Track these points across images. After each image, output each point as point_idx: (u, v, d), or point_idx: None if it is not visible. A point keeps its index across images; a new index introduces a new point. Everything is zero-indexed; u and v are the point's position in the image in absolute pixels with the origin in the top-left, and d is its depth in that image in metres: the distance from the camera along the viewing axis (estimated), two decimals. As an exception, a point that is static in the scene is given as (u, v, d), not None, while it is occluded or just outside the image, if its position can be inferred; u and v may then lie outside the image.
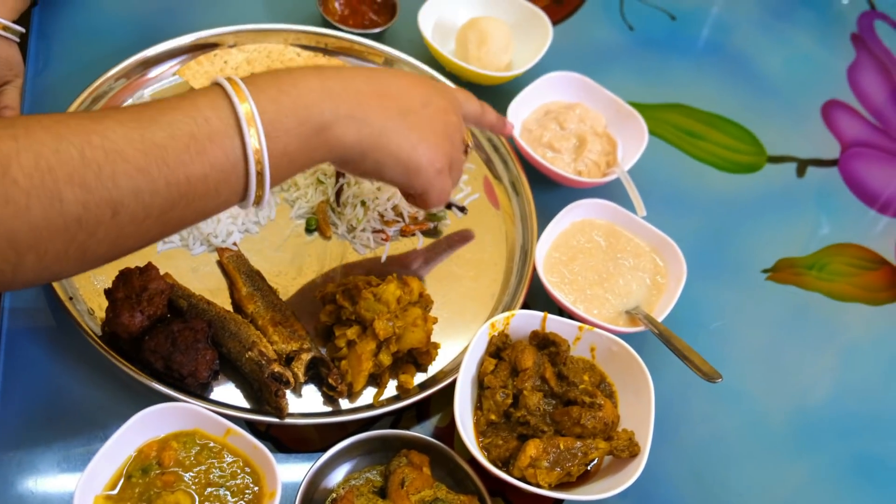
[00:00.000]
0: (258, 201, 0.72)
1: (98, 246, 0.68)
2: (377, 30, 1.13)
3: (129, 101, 1.01)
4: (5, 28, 0.93)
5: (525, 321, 0.89)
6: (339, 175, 0.97)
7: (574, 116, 1.07)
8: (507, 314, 0.89)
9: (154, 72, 1.04)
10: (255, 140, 0.69)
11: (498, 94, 1.09)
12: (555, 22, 1.19)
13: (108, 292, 0.84)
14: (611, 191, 1.04)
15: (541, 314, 0.89)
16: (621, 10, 1.29)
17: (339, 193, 0.97)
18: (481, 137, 1.07)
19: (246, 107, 0.69)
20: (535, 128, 1.07)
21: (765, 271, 1.07)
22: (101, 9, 1.14)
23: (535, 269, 0.95)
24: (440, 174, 0.83)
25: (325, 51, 1.10)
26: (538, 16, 1.15)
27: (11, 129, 0.64)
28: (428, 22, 1.12)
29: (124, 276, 0.84)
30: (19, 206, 0.63)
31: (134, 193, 0.66)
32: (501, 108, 1.04)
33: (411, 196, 0.87)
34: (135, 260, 0.86)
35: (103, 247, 0.69)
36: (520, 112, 1.07)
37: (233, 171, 0.70)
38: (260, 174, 0.70)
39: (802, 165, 1.18)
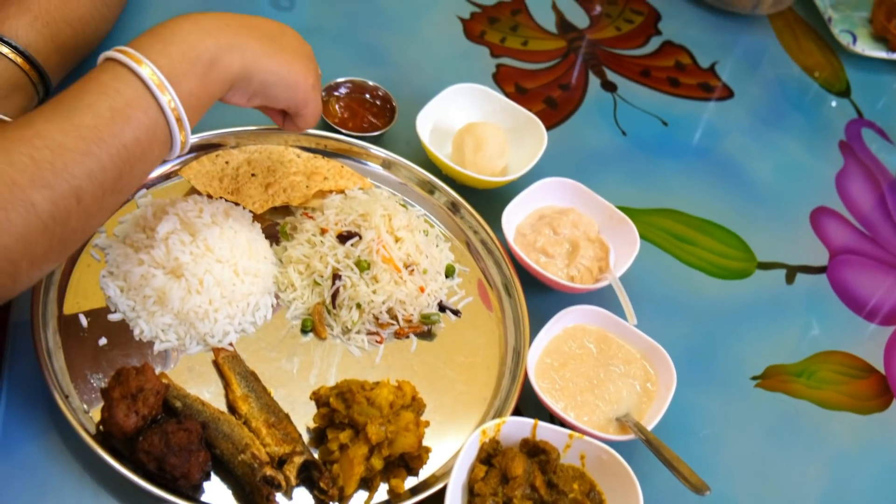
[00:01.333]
0: (184, 145, 0.84)
1: (73, 233, 0.78)
2: (375, 133, 1.16)
3: (133, 200, 1.03)
4: None
5: (516, 428, 0.91)
6: (335, 277, 0.99)
7: (567, 222, 1.10)
8: (497, 421, 0.90)
9: (157, 171, 1.06)
10: (163, 93, 0.79)
11: (493, 197, 1.12)
12: (549, 126, 1.22)
13: (104, 392, 0.85)
14: (603, 296, 1.06)
15: (531, 421, 0.90)
16: (615, 115, 1.33)
17: (335, 295, 0.99)
18: (475, 241, 1.09)
19: (145, 68, 0.79)
20: (528, 232, 1.09)
21: (754, 378, 1.09)
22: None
23: (526, 374, 0.96)
24: (315, 88, 0.97)
25: (325, 152, 1.12)
26: (533, 121, 1.18)
27: None
28: (426, 126, 1.15)
29: (121, 375, 0.86)
30: (2, 222, 0.72)
31: (88, 176, 0.76)
32: (496, 212, 1.08)
33: (290, 119, 1.00)
34: (133, 360, 0.90)
35: (78, 232, 0.79)
36: (514, 216, 1.09)
37: (156, 125, 0.80)
38: (179, 119, 0.81)
39: (791, 272, 1.21)
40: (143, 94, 0.79)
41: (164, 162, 0.93)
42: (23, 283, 0.78)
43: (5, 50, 0.99)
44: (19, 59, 0.99)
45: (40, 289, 0.93)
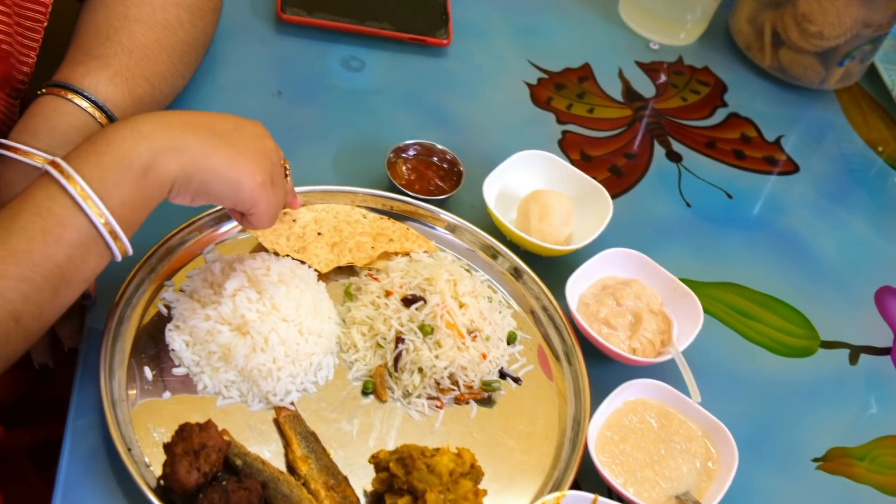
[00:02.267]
0: (124, 253, 0.86)
1: (14, 350, 0.84)
2: (442, 196, 1.18)
3: (201, 255, 1.07)
4: None
5: (575, 503, 0.91)
6: (398, 340, 1.01)
7: (631, 293, 1.11)
8: (556, 494, 0.90)
9: (225, 227, 1.09)
10: (92, 208, 0.82)
11: (557, 265, 1.14)
12: (613, 195, 1.23)
13: (166, 446, 0.87)
14: (665, 370, 1.06)
15: (591, 496, 0.90)
16: (679, 186, 1.34)
17: (397, 359, 1.00)
18: (538, 308, 1.10)
19: (75, 185, 0.82)
20: (591, 302, 1.10)
21: (815, 460, 1.08)
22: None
23: (586, 447, 0.96)
24: (263, 187, 0.94)
25: (391, 214, 1.15)
26: (599, 190, 1.20)
27: None
28: (492, 191, 1.17)
29: (184, 431, 0.87)
30: None
31: (24, 299, 0.82)
32: (560, 280, 1.09)
33: (245, 218, 0.98)
34: (195, 415, 0.91)
35: (19, 345, 0.84)
36: (578, 285, 1.10)
37: (90, 241, 0.84)
38: (112, 232, 0.83)
39: (855, 352, 1.20)
40: (74, 212, 0.82)
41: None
42: None
43: (85, 104, 1.03)
44: (97, 113, 1.03)
45: (108, 340, 0.95)
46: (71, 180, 0.83)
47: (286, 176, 1.03)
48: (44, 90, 1.05)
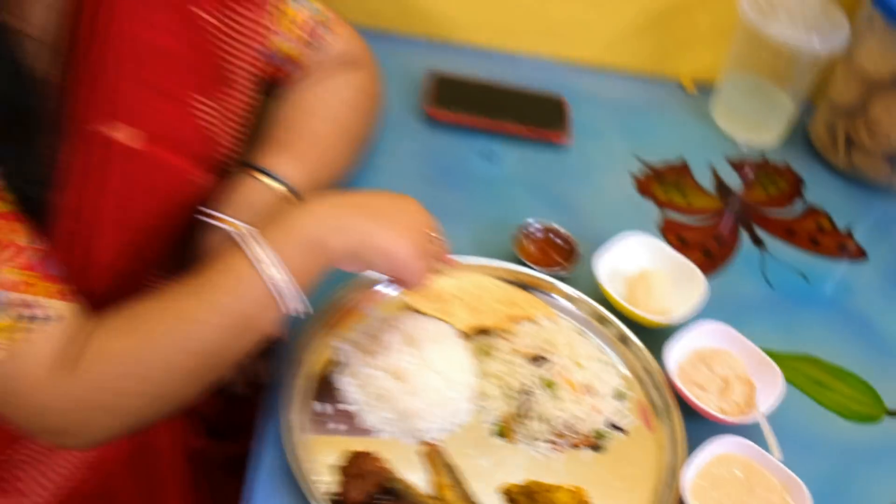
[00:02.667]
0: (299, 311, 1.00)
1: (209, 377, 1.02)
2: (561, 271, 1.30)
3: (365, 312, 1.20)
4: None
5: (675, 537, 1.03)
6: (525, 393, 1.13)
7: (721, 361, 1.22)
8: (659, 529, 1.03)
9: (383, 287, 1.21)
10: (275, 273, 0.98)
11: (658, 334, 1.24)
12: (706, 273, 1.32)
13: (338, 470, 1.02)
14: (750, 429, 1.16)
15: (688, 532, 1.02)
16: (762, 268, 1.43)
17: (524, 408, 1.12)
18: (641, 370, 1.21)
19: (261, 252, 0.98)
20: (687, 368, 1.21)
21: (881, 516, 1.18)
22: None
23: (681, 493, 1.07)
24: (415, 257, 1.05)
25: (520, 284, 1.27)
26: (694, 270, 1.30)
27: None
28: (603, 267, 1.28)
29: (352, 458, 1.03)
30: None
31: (217, 341, 0.99)
32: (661, 347, 1.20)
33: (399, 282, 1.10)
34: (360, 445, 1.06)
35: (213, 376, 1.02)
36: (675, 352, 1.21)
37: (271, 298, 0.99)
38: (289, 292, 0.98)
39: (917, 422, 1.30)
40: (258, 274, 0.98)
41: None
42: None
43: (274, 184, 1.16)
44: (283, 191, 1.16)
45: (290, 378, 1.09)
46: (259, 247, 0.98)
47: (438, 242, 1.13)
48: (241, 170, 1.19)
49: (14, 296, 0.92)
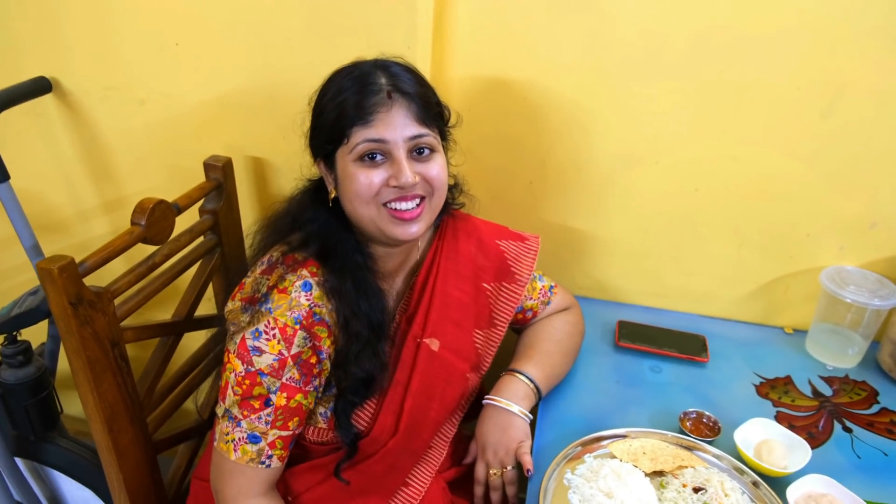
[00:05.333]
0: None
1: None
2: (710, 439, 1.60)
3: (583, 457, 1.54)
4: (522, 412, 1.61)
5: None
6: (696, 489, 1.44)
7: (826, 501, 1.45)
8: None
9: (594, 445, 1.56)
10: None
11: (781, 481, 1.47)
12: (813, 446, 1.57)
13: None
14: None
15: None
16: (852, 446, 1.63)
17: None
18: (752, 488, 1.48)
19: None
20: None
21: None
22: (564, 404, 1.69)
23: None
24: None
25: (683, 446, 1.56)
26: (803, 443, 1.55)
27: None
28: (739, 436, 1.57)
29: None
30: None
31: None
32: (782, 490, 1.44)
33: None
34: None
35: None
36: (793, 494, 1.44)
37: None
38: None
39: None
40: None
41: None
42: None
43: (525, 380, 1.59)
44: (531, 385, 1.60)
45: (538, 497, 1.42)
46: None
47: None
48: (507, 373, 1.63)
49: (265, 447, 1.38)
